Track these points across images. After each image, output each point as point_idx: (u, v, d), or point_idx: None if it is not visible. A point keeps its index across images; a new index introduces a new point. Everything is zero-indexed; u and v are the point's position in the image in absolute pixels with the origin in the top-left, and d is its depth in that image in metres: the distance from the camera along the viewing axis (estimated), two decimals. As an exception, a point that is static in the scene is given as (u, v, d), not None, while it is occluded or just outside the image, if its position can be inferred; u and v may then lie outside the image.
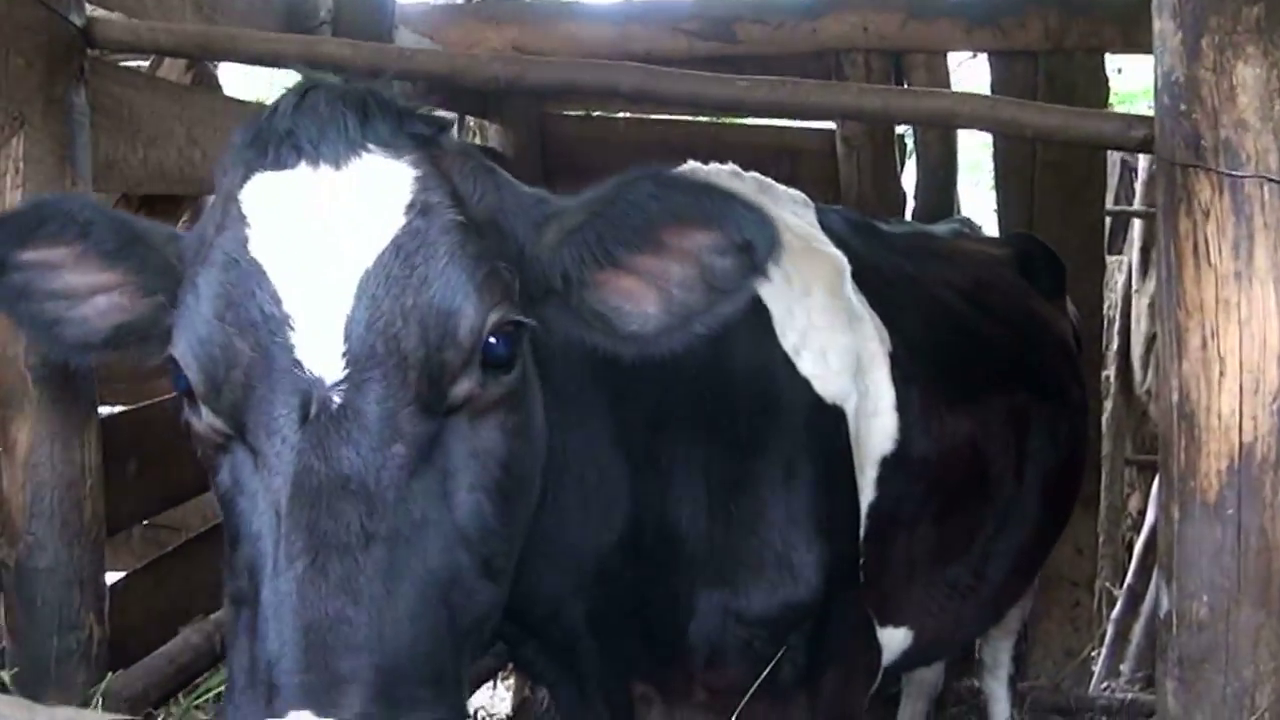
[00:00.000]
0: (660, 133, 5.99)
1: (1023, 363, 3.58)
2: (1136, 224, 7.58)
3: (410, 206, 1.76)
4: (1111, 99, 6.01)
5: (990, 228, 5.74)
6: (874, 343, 2.89)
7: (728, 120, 6.40)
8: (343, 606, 1.55)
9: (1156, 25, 2.23)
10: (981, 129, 2.70)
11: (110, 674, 2.77)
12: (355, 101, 1.83)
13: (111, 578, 3.02)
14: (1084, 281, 5.24)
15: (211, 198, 1.99)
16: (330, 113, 1.80)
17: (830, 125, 5.87)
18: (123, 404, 3.73)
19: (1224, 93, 2.13)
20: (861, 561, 2.78)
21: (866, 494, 2.79)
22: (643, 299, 1.93)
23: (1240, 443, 2.17)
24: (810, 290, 2.80)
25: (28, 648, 2.68)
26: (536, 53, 5.65)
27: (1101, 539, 6.55)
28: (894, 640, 3.02)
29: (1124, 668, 6.32)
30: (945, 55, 5.73)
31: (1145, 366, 7.37)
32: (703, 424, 2.52)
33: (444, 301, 1.70)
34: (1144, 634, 6.13)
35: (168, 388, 3.59)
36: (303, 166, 1.78)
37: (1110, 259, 7.18)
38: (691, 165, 2.98)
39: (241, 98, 3.98)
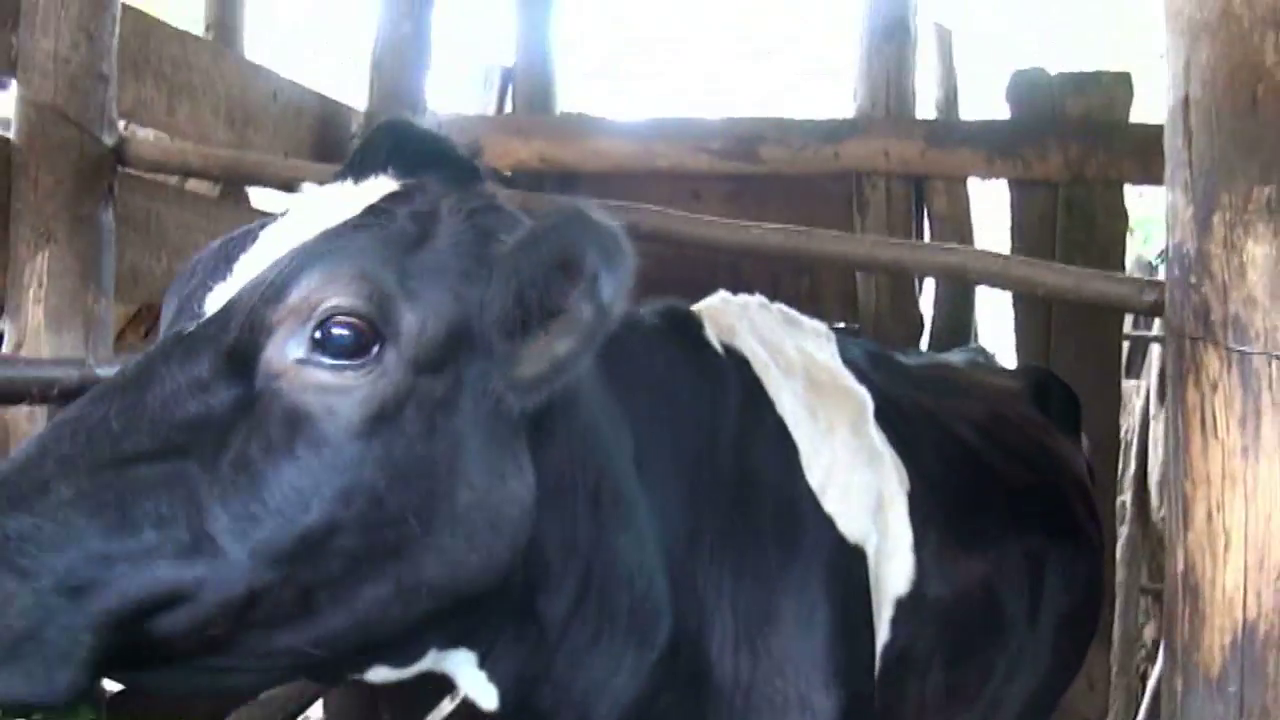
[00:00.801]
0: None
1: (1039, 502, 3.56)
2: (1155, 349, 7.57)
3: (367, 209, 1.89)
4: (1130, 224, 6.06)
5: (1008, 350, 5.77)
6: (893, 482, 2.88)
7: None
8: (28, 464, 1.62)
9: (1168, 197, 2.27)
10: (994, 286, 2.71)
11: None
12: (403, 134, 2.05)
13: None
14: (1100, 408, 5.21)
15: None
16: (385, 140, 2.04)
17: (850, 246, 5.92)
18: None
19: (1234, 269, 2.14)
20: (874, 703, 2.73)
21: (881, 635, 2.75)
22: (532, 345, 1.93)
23: (1244, 619, 2.15)
24: (834, 427, 2.81)
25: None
26: (563, 165, 5.77)
27: (1115, 669, 6.45)
28: (898, 788, 2.96)
29: (1135, 806, 6.21)
30: (965, 182, 5.78)
31: (1162, 494, 7.32)
32: (732, 553, 2.49)
33: (296, 270, 1.77)
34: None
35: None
36: (342, 182, 2.02)
37: (1128, 383, 7.18)
38: (723, 295, 3.03)
39: (269, 209, 4.03)
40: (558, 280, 1.82)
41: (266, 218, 1.94)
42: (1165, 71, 2.27)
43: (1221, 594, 2.17)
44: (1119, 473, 6.56)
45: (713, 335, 2.75)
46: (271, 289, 1.75)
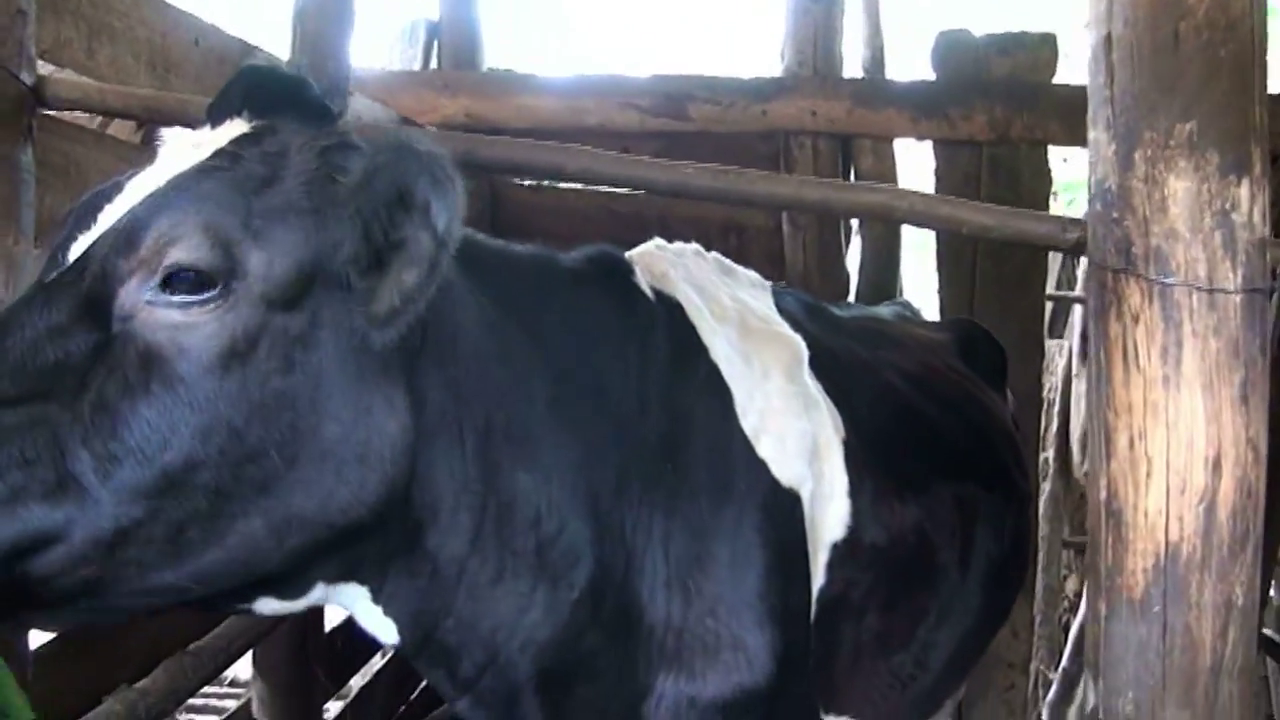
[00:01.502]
0: (609, 203, 6.02)
1: (970, 452, 3.61)
2: (1077, 309, 7.71)
3: (216, 153, 1.92)
4: (1055, 188, 6.15)
5: (932, 308, 5.84)
6: (829, 429, 2.90)
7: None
8: None
9: (1091, 134, 2.30)
10: (919, 225, 2.73)
11: (31, 746, 2.69)
12: (263, 78, 2.09)
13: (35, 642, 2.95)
14: (1024, 366, 5.31)
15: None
16: (245, 85, 2.07)
17: (778, 204, 5.96)
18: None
19: (1155, 203, 2.18)
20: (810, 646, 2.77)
21: (816, 580, 2.78)
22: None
23: (1166, 542, 2.21)
24: (769, 374, 2.82)
25: (-57, 719, 2.61)
26: (490, 123, 5.70)
27: (1038, 620, 6.59)
28: (834, 730, 3.00)
29: (1057, 750, 6.35)
30: (892, 142, 5.82)
31: (1084, 450, 7.48)
32: (663, 497, 2.51)
33: (143, 215, 1.82)
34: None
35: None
36: (203, 130, 2.04)
37: (1050, 343, 7.31)
38: (658, 242, 3.04)
39: None
40: (397, 213, 1.88)
41: (135, 169, 1.97)
42: (1088, 8, 2.30)
43: (1144, 519, 2.22)
44: (1042, 429, 6.70)
45: (643, 280, 2.75)
46: (120, 237, 1.81)
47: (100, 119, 3.81)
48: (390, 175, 1.88)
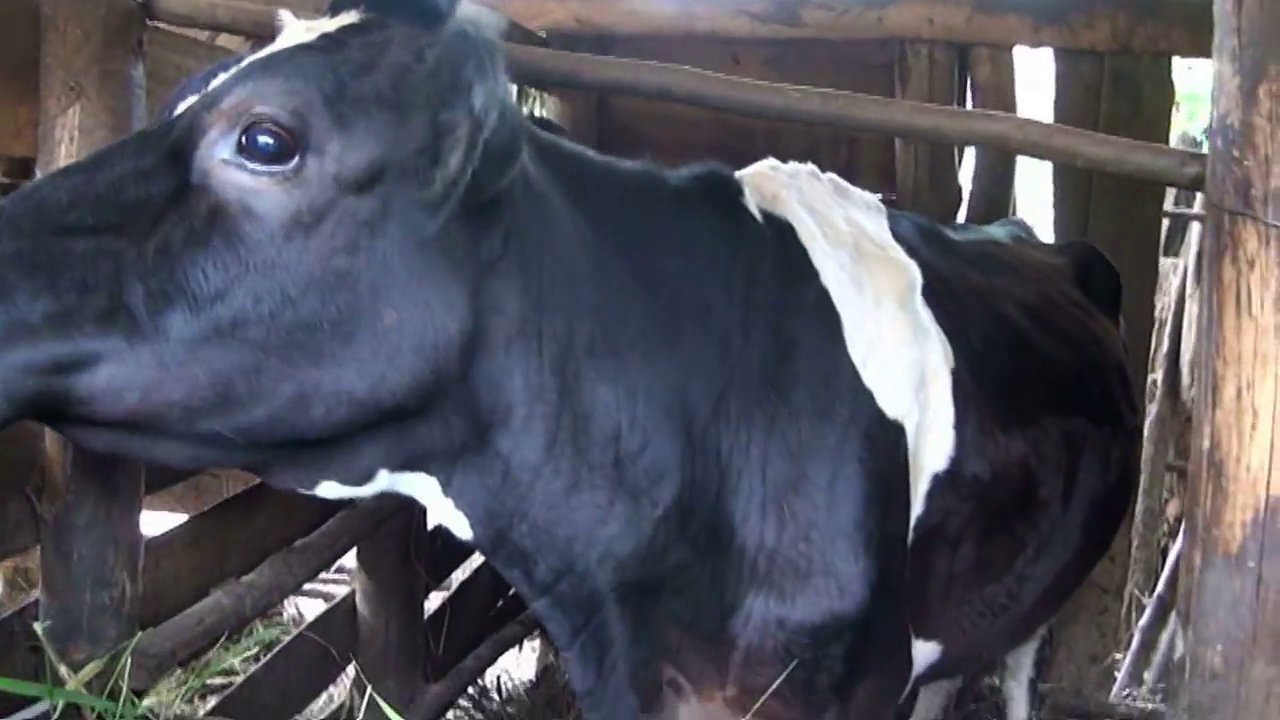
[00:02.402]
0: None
1: (1080, 385, 3.54)
2: (1195, 227, 7.45)
3: (321, 36, 2.01)
4: (1177, 99, 5.91)
5: (1045, 224, 5.69)
6: (938, 358, 2.86)
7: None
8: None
9: (1215, 66, 2.18)
10: (1034, 155, 2.65)
11: (140, 631, 2.80)
12: None
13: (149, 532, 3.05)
14: (1137, 286, 5.16)
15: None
16: None
17: (891, 113, 5.80)
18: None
19: (1278, 143, 2.08)
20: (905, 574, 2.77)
21: (915, 508, 2.78)
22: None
23: (1267, 496, 2.14)
24: (881, 301, 2.79)
25: (62, 601, 2.70)
26: (598, 27, 5.63)
27: (1136, 543, 6.51)
28: (923, 653, 3.01)
29: (1147, 676, 6.29)
30: (1011, 50, 5.63)
31: (1193, 373, 7.28)
32: (764, 420, 2.51)
33: (236, 80, 1.93)
34: (1169, 645, 6.10)
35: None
36: (324, 18, 2.10)
37: (1165, 261, 7.09)
38: (771, 163, 3.01)
39: None
40: (449, 96, 1.96)
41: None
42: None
43: (1246, 471, 2.15)
44: (1151, 350, 6.53)
45: (752, 202, 2.72)
46: (211, 94, 1.92)
47: (210, 32, 3.83)
48: (449, 61, 1.96)
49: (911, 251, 3.05)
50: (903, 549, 2.73)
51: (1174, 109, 6.36)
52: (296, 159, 1.89)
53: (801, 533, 2.53)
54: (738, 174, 2.82)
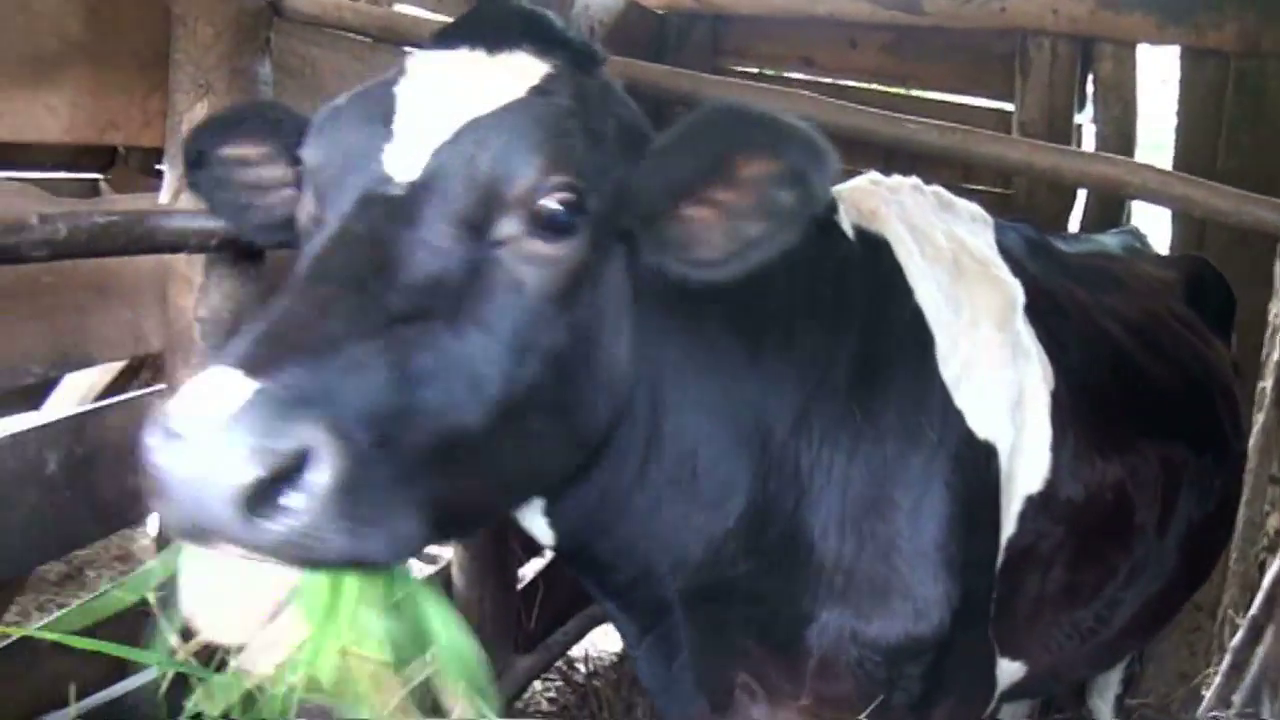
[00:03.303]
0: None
1: (1183, 409, 3.47)
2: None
3: (534, 88, 1.97)
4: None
5: (1163, 224, 5.57)
6: (1036, 379, 2.84)
7: (901, 92, 6.25)
8: (312, 315, 1.66)
9: None
10: (1151, 202, 2.62)
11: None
12: (524, 14, 2.11)
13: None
14: (1250, 293, 5.01)
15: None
16: (500, 17, 2.10)
17: (1009, 107, 5.72)
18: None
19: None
20: (993, 595, 2.76)
21: (1007, 529, 2.77)
22: (711, 228, 2.01)
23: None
24: (979, 322, 2.77)
25: (176, 573, 2.82)
26: (718, 7, 5.62)
27: (1234, 557, 6.36)
28: (1006, 672, 3.00)
29: (1235, 699, 6.15)
30: (1134, 48, 5.50)
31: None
32: (848, 439, 2.52)
33: (511, 148, 1.87)
34: (1260, 669, 5.96)
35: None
36: (463, 49, 2.04)
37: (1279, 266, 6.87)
38: (872, 176, 2.98)
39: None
40: (720, 170, 1.96)
41: (388, 77, 2.02)
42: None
43: None
44: (1263, 357, 6.34)
45: (846, 219, 2.71)
46: (496, 164, 1.86)
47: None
48: (721, 136, 1.98)
49: (1017, 266, 3.02)
50: (990, 571, 2.72)
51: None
52: (577, 223, 1.92)
53: (881, 553, 2.54)
54: (835, 189, 2.80)
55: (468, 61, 2.03)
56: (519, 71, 2.00)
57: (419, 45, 2.19)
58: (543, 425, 1.94)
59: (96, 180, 4.89)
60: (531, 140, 1.89)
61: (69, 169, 5.06)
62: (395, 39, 2.62)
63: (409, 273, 1.77)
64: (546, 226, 1.89)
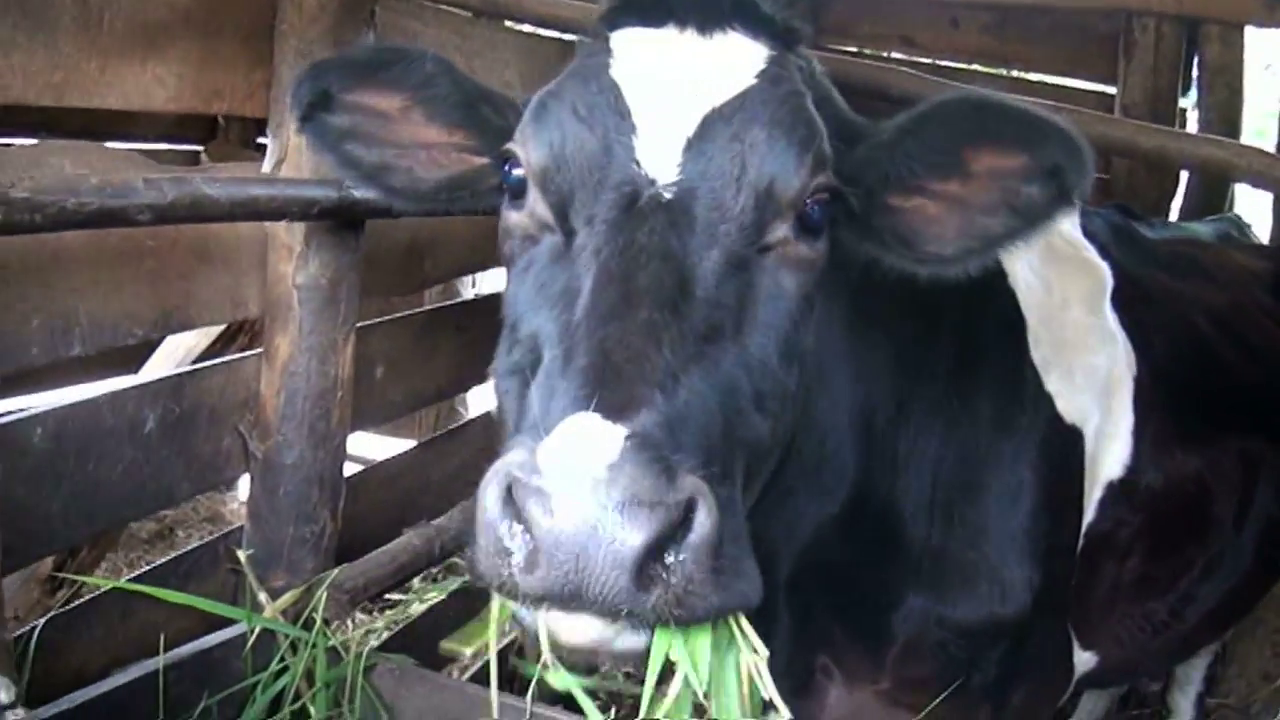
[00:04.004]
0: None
1: (1264, 404, 3.39)
2: None
3: (762, 74, 1.88)
4: None
5: (1265, 210, 5.42)
6: (1122, 365, 2.84)
7: (1003, 73, 6.15)
8: (646, 346, 1.57)
9: None
10: (1256, 185, 2.57)
11: (337, 566, 2.97)
12: None
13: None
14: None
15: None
16: None
17: (1110, 90, 5.61)
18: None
19: None
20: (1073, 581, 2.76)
21: (1088, 515, 2.77)
22: (942, 221, 1.98)
23: None
24: (1069, 304, 2.77)
25: (265, 532, 2.92)
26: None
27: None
28: (1079, 661, 2.99)
29: (1318, 703, 6.01)
30: (1242, 29, 5.35)
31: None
32: (942, 424, 2.52)
33: (782, 150, 1.80)
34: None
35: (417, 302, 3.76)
36: (670, 28, 1.93)
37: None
38: None
39: (520, 29, 3.96)
40: (954, 163, 1.92)
41: (597, 60, 1.91)
42: None
43: None
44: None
45: None
46: (768, 166, 1.80)
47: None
48: (955, 126, 1.93)
49: (1103, 251, 3.00)
50: (1071, 557, 2.72)
51: None
52: (826, 221, 1.89)
53: (970, 537, 2.54)
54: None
55: (682, 43, 1.92)
56: (741, 55, 1.92)
57: (519, 19, 2.14)
58: (787, 429, 1.93)
59: (198, 152, 5.05)
60: (796, 139, 1.83)
61: (171, 141, 5.23)
62: (498, 14, 2.65)
63: (706, 287, 1.71)
64: (807, 228, 1.86)
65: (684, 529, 1.39)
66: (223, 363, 2.91)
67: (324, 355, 2.89)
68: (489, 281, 7.64)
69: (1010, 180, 1.89)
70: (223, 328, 3.51)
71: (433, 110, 2.07)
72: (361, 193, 2.52)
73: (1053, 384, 2.64)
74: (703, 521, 1.40)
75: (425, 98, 2.06)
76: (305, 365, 2.87)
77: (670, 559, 1.38)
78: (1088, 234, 3.06)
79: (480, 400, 5.82)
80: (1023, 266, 2.71)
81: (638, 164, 1.77)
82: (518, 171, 1.89)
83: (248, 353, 2.98)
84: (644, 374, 1.53)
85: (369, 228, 2.95)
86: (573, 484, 1.35)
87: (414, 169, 2.13)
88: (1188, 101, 5.68)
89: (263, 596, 2.79)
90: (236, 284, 2.87)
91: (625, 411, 1.44)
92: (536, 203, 1.86)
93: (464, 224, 3.60)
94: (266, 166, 2.81)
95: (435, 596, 3.22)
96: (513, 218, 1.92)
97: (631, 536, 1.33)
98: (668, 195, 1.75)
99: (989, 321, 2.62)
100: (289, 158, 2.75)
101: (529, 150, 1.85)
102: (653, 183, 1.76)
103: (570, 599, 1.37)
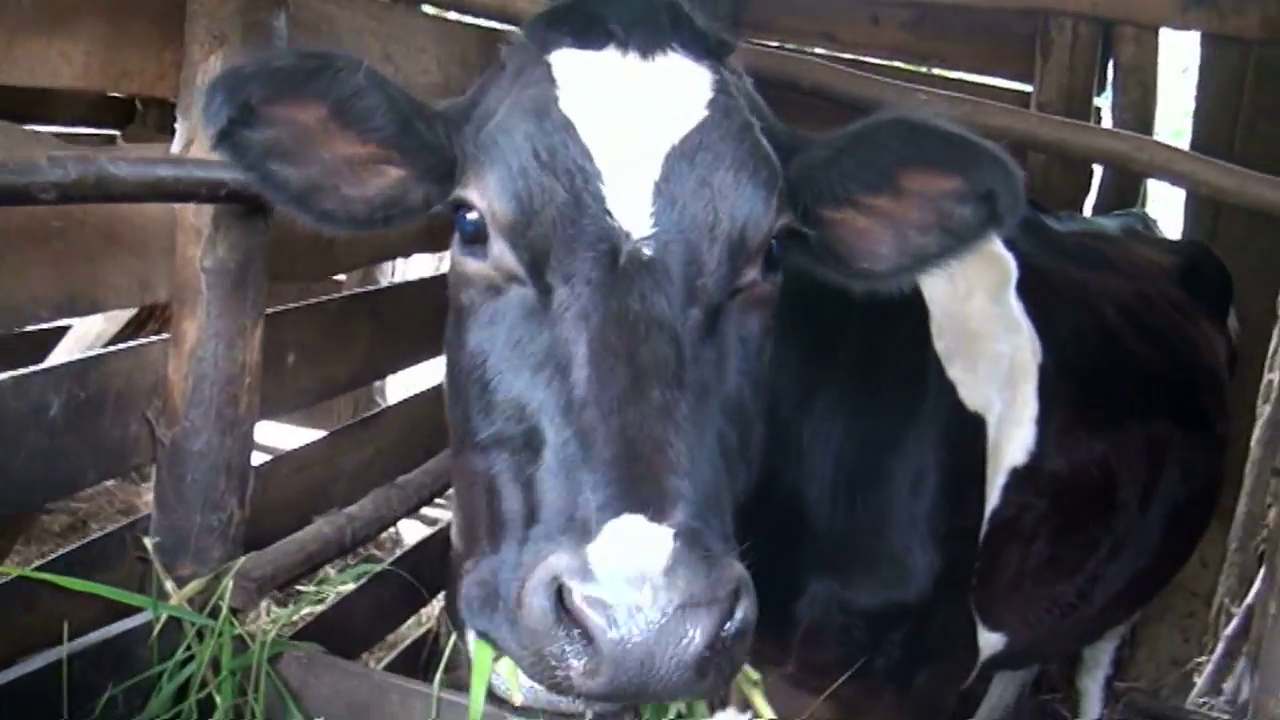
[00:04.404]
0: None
1: (1168, 391, 3.51)
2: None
3: (711, 103, 1.86)
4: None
5: (1177, 210, 5.55)
6: (1026, 354, 2.90)
7: (922, 70, 6.23)
8: (665, 431, 1.59)
9: None
10: (1157, 179, 2.64)
11: (244, 555, 2.93)
12: (664, 5, 1.94)
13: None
14: (1260, 287, 5.01)
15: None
16: (642, 9, 1.91)
17: (1028, 88, 5.70)
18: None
19: None
20: (976, 565, 2.81)
21: (991, 500, 2.82)
22: (876, 239, 1.99)
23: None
24: (972, 294, 2.82)
25: (172, 520, 2.86)
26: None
27: (1234, 547, 6.35)
28: (987, 643, 3.06)
29: (1226, 687, 6.15)
30: (1157, 31, 5.47)
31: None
32: (844, 414, 2.57)
33: (750, 195, 1.80)
34: (1249, 657, 5.97)
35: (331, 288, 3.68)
36: (611, 50, 1.88)
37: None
38: None
39: (436, 14, 3.94)
40: (887, 181, 1.92)
41: (541, 90, 1.84)
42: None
43: None
44: (1271, 350, 6.32)
45: None
46: (738, 212, 1.79)
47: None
48: (886, 147, 1.91)
49: (1009, 243, 3.05)
50: (973, 541, 2.77)
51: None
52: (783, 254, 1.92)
53: (872, 523, 2.60)
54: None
55: (625, 68, 1.88)
56: (686, 80, 1.89)
57: (437, 5, 2.08)
58: (746, 454, 1.95)
59: (114, 136, 4.96)
60: (761, 181, 1.82)
61: (88, 125, 5.14)
62: (443, 4, 2.61)
63: (694, 349, 1.73)
64: (770, 266, 1.87)
65: (732, 616, 1.48)
66: (129, 348, 2.85)
67: (231, 340, 2.85)
68: (411, 268, 7.61)
69: (944, 201, 1.91)
70: (133, 313, 3.44)
71: (363, 124, 1.90)
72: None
73: (955, 373, 2.70)
74: (746, 606, 1.50)
75: (354, 110, 1.89)
76: (213, 350, 2.82)
77: (722, 645, 1.46)
78: (993, 226, 3.10)
79: (398, 389, 5.81)
80: None
81: (610, 215, 1.74)
82: (472, 216, 1.82)
83: (154, 338, 2.93)
84: (670, 463, 1.56)
85: (279, 212, 2.90)
86: (634, 594, 1.40)
87: (341, 188, 1.97)
88: (1103, 101, 5.80)
89: (169, 585, 2.75)
90: (145, 267, 2.82)
91: (664, 508, 1.48)
92: (504, 255, 1.80)
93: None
94: (176, 147, 2.76)
95: (346, 585, 3.19)
96: (472, 266, 1.85)
97: (694, 637, 1.41)
98: (648, 252, 1.73)
99: (893, 313, 2.65)
100: (199, 139, 2.71)
101: (491, 200, 1.78)
102: (629, 236, 1.73)
103: (633, 697, 1.46)
